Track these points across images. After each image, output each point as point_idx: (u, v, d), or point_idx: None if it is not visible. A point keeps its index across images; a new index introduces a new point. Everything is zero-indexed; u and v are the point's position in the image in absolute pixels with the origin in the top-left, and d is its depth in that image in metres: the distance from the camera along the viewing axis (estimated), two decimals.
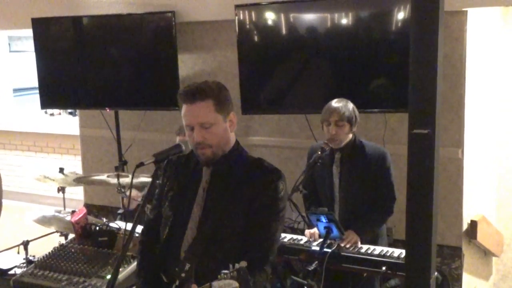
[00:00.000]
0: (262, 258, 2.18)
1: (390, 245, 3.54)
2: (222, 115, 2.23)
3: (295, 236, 3.50)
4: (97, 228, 3.16)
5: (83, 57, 4.90)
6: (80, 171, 5.49)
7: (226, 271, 1.84)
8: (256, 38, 4.29)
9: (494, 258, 4.79)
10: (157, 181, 2.41)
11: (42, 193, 7.04)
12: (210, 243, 2.21)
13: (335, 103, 3.35)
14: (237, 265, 1.84)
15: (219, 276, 1.83)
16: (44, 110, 7.54)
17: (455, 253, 4.03)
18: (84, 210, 3.21)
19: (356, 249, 3.26)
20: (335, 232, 3.25)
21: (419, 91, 2.26)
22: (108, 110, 4.93)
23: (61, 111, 8.10)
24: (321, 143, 3.42)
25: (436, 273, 3.77)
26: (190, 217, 2.29)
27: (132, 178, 2.00)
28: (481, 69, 4.22)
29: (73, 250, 3.07)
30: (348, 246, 3.27)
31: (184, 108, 2.24)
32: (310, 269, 3.16)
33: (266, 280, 2.22)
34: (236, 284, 1.79)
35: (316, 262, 3.13)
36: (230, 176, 2.26)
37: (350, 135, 3.39)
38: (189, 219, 2.29)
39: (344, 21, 3.98)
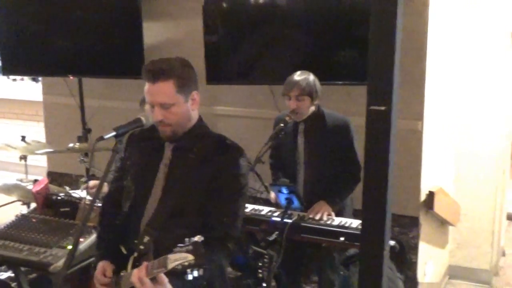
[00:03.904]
0: (225, 235, 2.20)
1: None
2: (183, 95, 2.23)
3: (256, 207, 3.55)
4: (59, 198, 3.15)
5: (46, 22, 4.80)
6: (43, 139, 5.43)
7: (181, 245, 1.87)
8: (222, 6, 4.25)
9: (450, 228, 4.92)
10: (118, 155, 2.42)
11: (6, 160, 6.95)
12: (170, 218, 2.23)
13: (296, 76, 3.37)
14: (192, 239, 1.87)
15: (174, 250, 1.87)
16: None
17: (413, 223, 4.12)
18: (46, 181, 3.19)
19: (320, 221, 3.31)
20: (296, 203, 3.30)
21: (378, 68, 2.28)
22: (71, 78, 4.86)
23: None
24: (286, 114, 3.45)
25: (394, 243, 3.92)
26: (152, 191, 2.31)
27: (92, 154, 2.01)
28: (443, 43, 4.27)
29: (34, 220, 3.05)
30: (324, 218, 3.31)
31: (146, 85, 2.23)
32: (270, 239, 3.22)
33: (227, 257, 2.24)
34: (191, 257, 1.82)
35: (277, 232, 3.20)
36: (192, 152, 2.27)
37: (313, 107, 3.43)
38: (151, 194, 2.31)
39: None
